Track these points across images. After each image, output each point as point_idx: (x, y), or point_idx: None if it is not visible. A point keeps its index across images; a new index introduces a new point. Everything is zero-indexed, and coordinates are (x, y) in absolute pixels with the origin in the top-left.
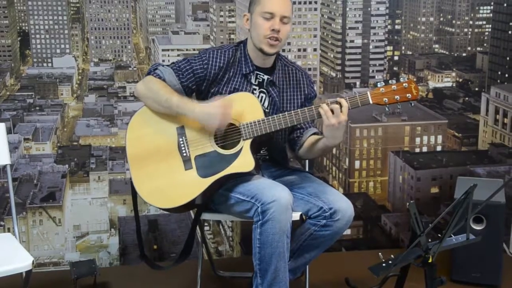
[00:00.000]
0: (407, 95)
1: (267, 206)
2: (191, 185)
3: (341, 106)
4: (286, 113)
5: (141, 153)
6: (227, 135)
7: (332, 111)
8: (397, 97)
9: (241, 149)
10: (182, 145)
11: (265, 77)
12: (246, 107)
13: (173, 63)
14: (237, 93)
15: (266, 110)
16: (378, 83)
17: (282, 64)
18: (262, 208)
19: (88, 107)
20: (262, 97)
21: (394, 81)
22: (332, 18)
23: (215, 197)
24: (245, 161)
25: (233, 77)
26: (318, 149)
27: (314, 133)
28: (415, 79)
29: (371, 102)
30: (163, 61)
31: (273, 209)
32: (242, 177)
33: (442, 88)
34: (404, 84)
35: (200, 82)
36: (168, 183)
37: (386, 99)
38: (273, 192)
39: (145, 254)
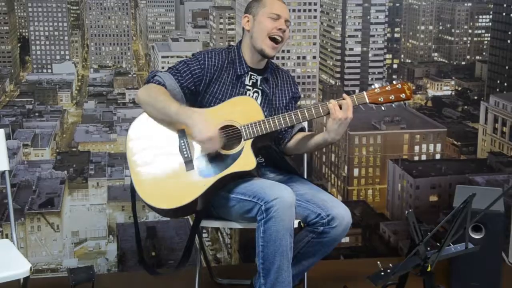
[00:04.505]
0: (401, 95)
1: (270, 203)
2: (194, 185)
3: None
4: (285, 113)
5: (142, 154)
6: (228, 137)
7: (340, 106)
8: (391, 96)
9: (242, 148)
10: (184, 147)
11: (258, 77)
12: (246, 110)
13: (170, 68)
14: (237, 97)
15: (261, 105)
16: (373, 85)
17: (271, 67)
18: (266, 206)
19: (87, 113)
20: (255, 96)
21: (388, 83)
22: (331, 26)
23: (215, 200)
24: (247, 160)
25: (228, 79)
26: (314, 143)
27: (301, 129)
28: (414, 87)
29: (367, 101)
30: (163, 68)
31: (276, 206)
32: (242, 179)
33: (441, 97)
34: (398, 85)
35: (198, 82)
36: (170, 184)
37: (381, 98)
38: (276, 191)
39: (144, 259)
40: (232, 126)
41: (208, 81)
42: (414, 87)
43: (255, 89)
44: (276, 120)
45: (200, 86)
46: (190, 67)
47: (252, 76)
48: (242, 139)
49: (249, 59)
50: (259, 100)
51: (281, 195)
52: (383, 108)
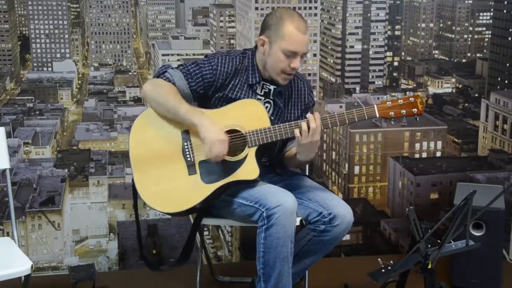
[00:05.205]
0: (413, 110)
1: (272, 210)
2: (194, 190)
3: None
4: (292, 122)
5: (145, 156)
6: (232, 141)
7: (308, 130)
8: (403, 111)
9: (246, 156)
10: (187, 150)
11: (271, 87)
12: (252, 114)
13: (181, 65)
14: (243, 99)
15: (272, 117)
16: (385, 97)
17: None
18: (268, 213)
19: (87, 111)
20: (267, 107)
21: (399, 95)
22: (332, 23)
23: (216, 203)
24: (250, 169)
25: (238, 85)
26: (295, 162)
27: None
28: (414, 85)
29: (377, 115)
30: None
31: (278, 213)
32: (245, 183)
33: (442, 94)
34: (410, 99)
35: (208, 87)
36: (171, 187)
37: (392, 113)
38: (278, 197)
39: (145, 256)
40: (236, 131)
41: (219, 86)
42: (415, 85)
43: (267, 99)
44: (282, 129)
45: (210, 90)
46: (202, 71)
47: (265, 86)
48: (247, 146)
49: (262, 70)
50: (270, 111)
51: (283, 202)
52: (392, 123)
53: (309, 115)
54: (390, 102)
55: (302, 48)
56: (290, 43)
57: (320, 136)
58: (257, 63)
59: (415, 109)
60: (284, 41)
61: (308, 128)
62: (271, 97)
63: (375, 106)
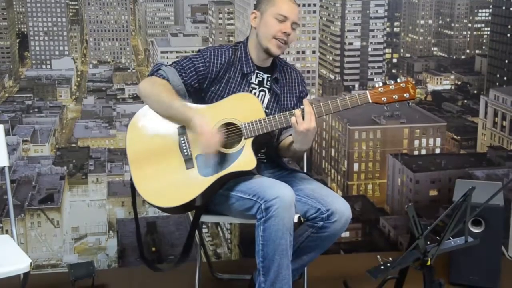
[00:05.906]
0: (405, 94)
1: (270, 202)
2: (193, 184)
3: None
4: (287, 112)
5: (142, 152)
6: (229, 135)
7: (303, 116)
8: (395, 96)
9: (242, 147)
10: (183, 144)
11: (265, 75)
12: (247, 107)
13: (175, 62)
14: (238, 93)
15: (266, 110)
16: (376, 84)
17: (279, 64)
18: (266, 205)
19: (86, 109)
20: (262, 95)
21: (392, 82)
22: (331, 20)
23: (215, 198)
24: (247, 160)
25: (233, 76)
26: (289, 151)
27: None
28: (413, 82)
29: (370, 101)
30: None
31: (276, 205)
32: (242, 177)
33: (441, 91)
34: (402, 84)
35: (202, 80)
36: (169, 182)
37: (384, 98)
38: (276, 190)
39: (145, 256)
40: (232, 124)
41: (213, 79)
42: (413, 82)
43: (261, 88)
44: (277, 119)
45: (204, 83)
46: (195, 64)
47: (259, 75)
48: (243, 138)
49: (255, 57)
50: (266, 99)
51: (281, 194)
52: (385, 108)
53: (304, 100)
54: (382, 88)
55: (293, 14)
56: (280, 8)
57: (316, 124)
58: (250, 52)
59: (407, 94)
60: (275, 7)
61: (303, 114)
62: (265, 85)
63: (367, 92)
